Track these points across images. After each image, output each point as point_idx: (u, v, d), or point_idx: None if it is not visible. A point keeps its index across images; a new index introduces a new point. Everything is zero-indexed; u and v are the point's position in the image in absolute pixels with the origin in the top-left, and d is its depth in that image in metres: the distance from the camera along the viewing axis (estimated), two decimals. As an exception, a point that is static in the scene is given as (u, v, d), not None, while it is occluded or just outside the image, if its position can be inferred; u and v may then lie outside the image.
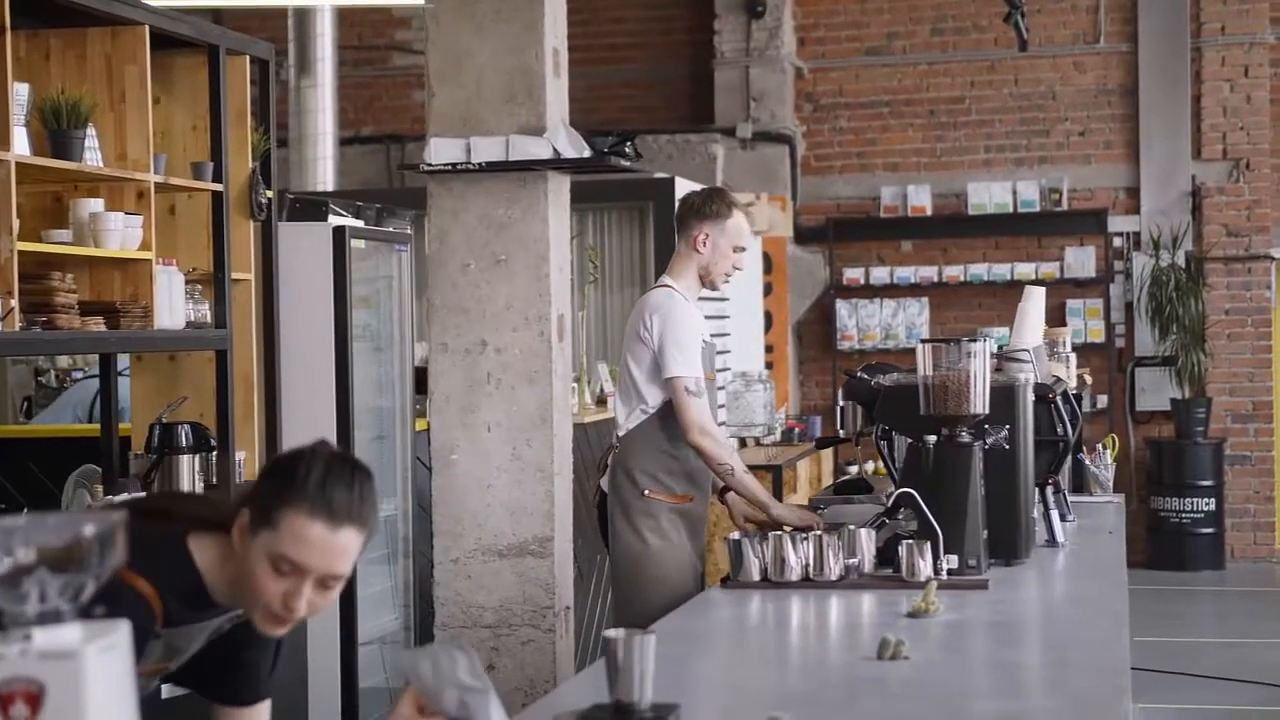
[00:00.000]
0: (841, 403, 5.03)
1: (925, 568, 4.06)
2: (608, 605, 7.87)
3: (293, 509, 2.53)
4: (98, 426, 5.80)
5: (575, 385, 7.81)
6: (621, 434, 5.15)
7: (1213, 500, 11.89)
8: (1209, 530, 11.90)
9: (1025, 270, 12.23)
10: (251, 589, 2.58)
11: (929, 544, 4.09)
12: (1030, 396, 4.57)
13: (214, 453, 5.55)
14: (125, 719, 1.85)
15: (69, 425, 7.12)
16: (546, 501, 5.34)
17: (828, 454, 10.78)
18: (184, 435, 5.40)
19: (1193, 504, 11.86)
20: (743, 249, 5.20)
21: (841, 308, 12.56)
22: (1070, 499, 5.68)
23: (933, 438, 4.28)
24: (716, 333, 9.96)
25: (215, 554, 2.65)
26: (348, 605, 6.14)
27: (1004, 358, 5.11)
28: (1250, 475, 12.24)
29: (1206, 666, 8.69)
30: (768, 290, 11.98)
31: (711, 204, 5.18)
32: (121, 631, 1.84)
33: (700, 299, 5.17)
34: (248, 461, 5.80)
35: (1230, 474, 12.13)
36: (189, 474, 5.40)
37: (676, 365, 4.97)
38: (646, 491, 5.06)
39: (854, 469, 10.49)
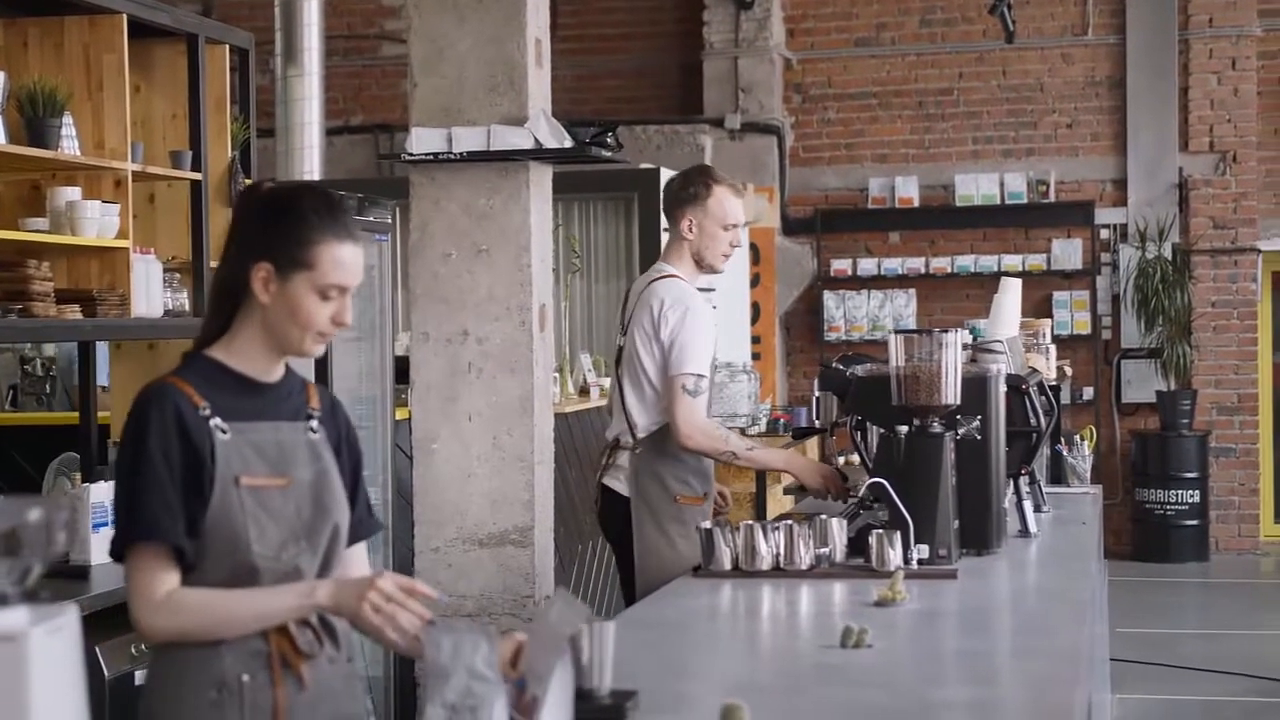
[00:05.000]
0: (817, 393, 5.03)
1: (895, 557, 4.08)
2: (592, 595, 7.89)
3: (323, 244, 2.79)
4: (77, 415, 5.81)
5: (557, 375, 7.83)
6: (641, 435, 4.99)
7: (1197, 492, 11.92)
8: (1194, 522, 11.93)
9: (1012, 262, 12.23)
10: (298, 324, 2.80)
11: (899, 534, 4.11)
12: (1002, 387, 4.58)
13: (192, 441, 5.55)
14: (72, 700, 1.86)
15: (49, 413, 7.13)
16: (527, 491, 5.34)
17: (816, 444, 10.80)
18: (162, 423, 5.39)
19: (1177, 496, 11.89)
20: (734, 226, 5.03)
21: (829, 299, 12.57)
22: (1048, 490, 5.70)
23: (904, 428, 4.28)
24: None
25: (229, 345, 2.84)
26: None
27: (978, 349, 5.12)
28: (1235, 467, 12.27)
29: (1189, 657, 8.72)
30: (755, 281, 12.00)
31: (689, 187, 5.04)
32: (69, 615, 1.86)
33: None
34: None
35: (1215, 466, 12.16)
36: (167, 462, 5.39)
37: (684, 363, 4.86)
38: (679, 497, 4.97)
39: (841, 459, 10.48)
